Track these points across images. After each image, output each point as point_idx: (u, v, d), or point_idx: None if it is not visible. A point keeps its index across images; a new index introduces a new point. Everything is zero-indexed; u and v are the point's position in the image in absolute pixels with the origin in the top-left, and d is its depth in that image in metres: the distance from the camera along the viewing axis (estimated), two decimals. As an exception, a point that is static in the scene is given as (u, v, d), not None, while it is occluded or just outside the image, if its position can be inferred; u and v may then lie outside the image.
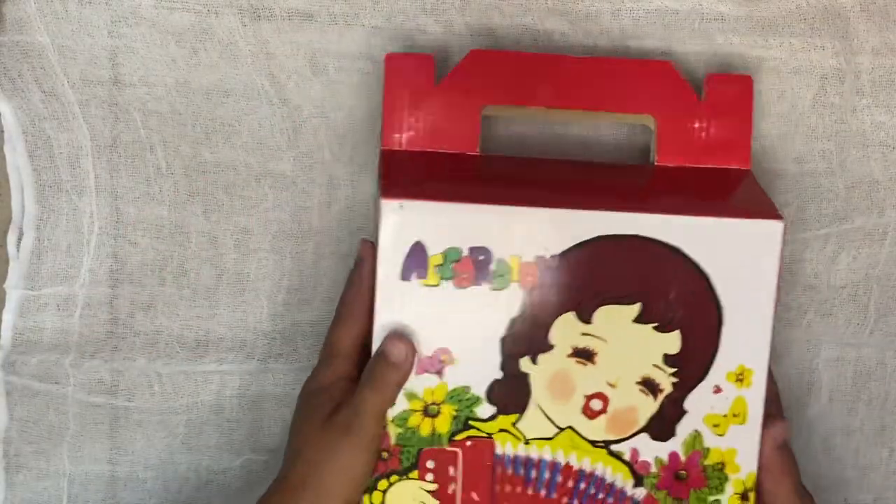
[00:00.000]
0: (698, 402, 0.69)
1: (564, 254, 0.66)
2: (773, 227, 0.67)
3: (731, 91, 0.71)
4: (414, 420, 0.68)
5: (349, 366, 0.69)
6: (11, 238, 0.74)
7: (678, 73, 0.71)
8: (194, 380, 0.77)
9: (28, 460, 0.78)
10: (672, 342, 0.68)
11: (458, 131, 0.71)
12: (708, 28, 0.73)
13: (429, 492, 0.69)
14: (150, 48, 0.72)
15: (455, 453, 0.69)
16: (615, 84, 0.71)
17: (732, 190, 0.70)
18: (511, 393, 0.68)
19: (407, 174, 0.68)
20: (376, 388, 0.67)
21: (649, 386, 0.69)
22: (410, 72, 0.70)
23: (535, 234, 0.66)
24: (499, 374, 0.68)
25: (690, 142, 0.71)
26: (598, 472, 0.70)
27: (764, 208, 0.68)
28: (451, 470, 0.69)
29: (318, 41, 0.72)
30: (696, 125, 0.71)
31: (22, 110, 0.72)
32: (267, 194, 0.75)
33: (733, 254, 0.67)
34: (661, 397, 0.69)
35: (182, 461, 0.78)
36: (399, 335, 0.67)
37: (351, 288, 0.69)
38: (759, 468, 0.69)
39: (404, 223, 0.66)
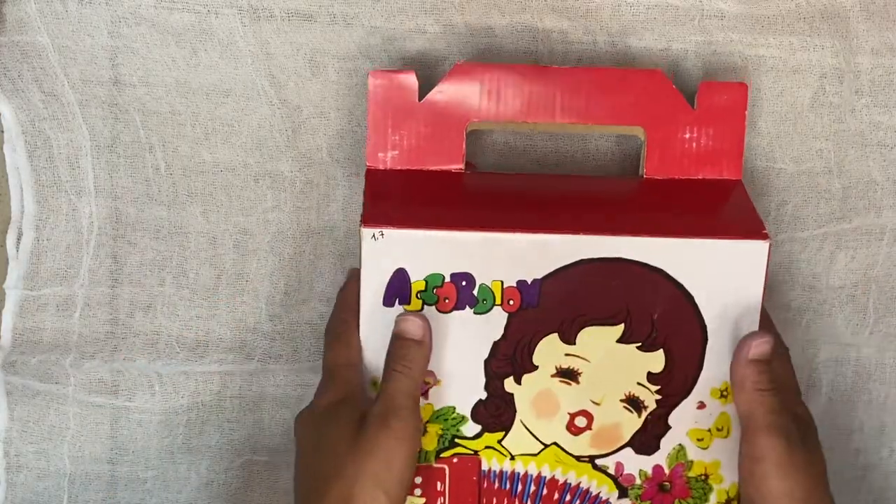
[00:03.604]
0: (682, 417, 0.68)
1: (547, 277, 0.66)
2: (759, 247, 0.66)
3: (724, 99, 0.70)
4: None
5: (354, 385, 0.67)
6: (11, 238, 0.74)
7: (670, 81, 0.70)
8: (194, 380, 0.77)
9: (28, 460, 0.78)
10: (656, 361, 0.68)
11: (442, 148, 0.70)
12: (707, 25, 0.73)
13: None
14: (150, 48, 0.72)
15: (442, 469, 0.69)
16: (604, 95, 0.70)
17: (720, 204, 0.70)
18: (496, 412, 0.69)
19: (389, 198, 0.68)
20: (404, 369, 0.65)
21: (633, 403, 0.68)
22: (393, 90, 0.70)
23: (518, 259, 0.66)
24: (483, 395, 0.68)
25: (680, 153, 0.71)
26: (584, 485, 0.70)
27: (750, 227, 0.67)
28: (439, 485, 0.69)
29: (318, 41, 0.72)
30: (687, 136, 0.71)
31: (22, 110, 0.72)
32: (266, 195, 0.75)
33: (718, 274, 0.66)
34: (645, 414, 0.68)
35: (182, 461, 0.79)
36: (411, 313, 0.66)
37: (336, 313, 0.68)
38: (732, 384, 0.66)
39: (385, 251, 0.65)
